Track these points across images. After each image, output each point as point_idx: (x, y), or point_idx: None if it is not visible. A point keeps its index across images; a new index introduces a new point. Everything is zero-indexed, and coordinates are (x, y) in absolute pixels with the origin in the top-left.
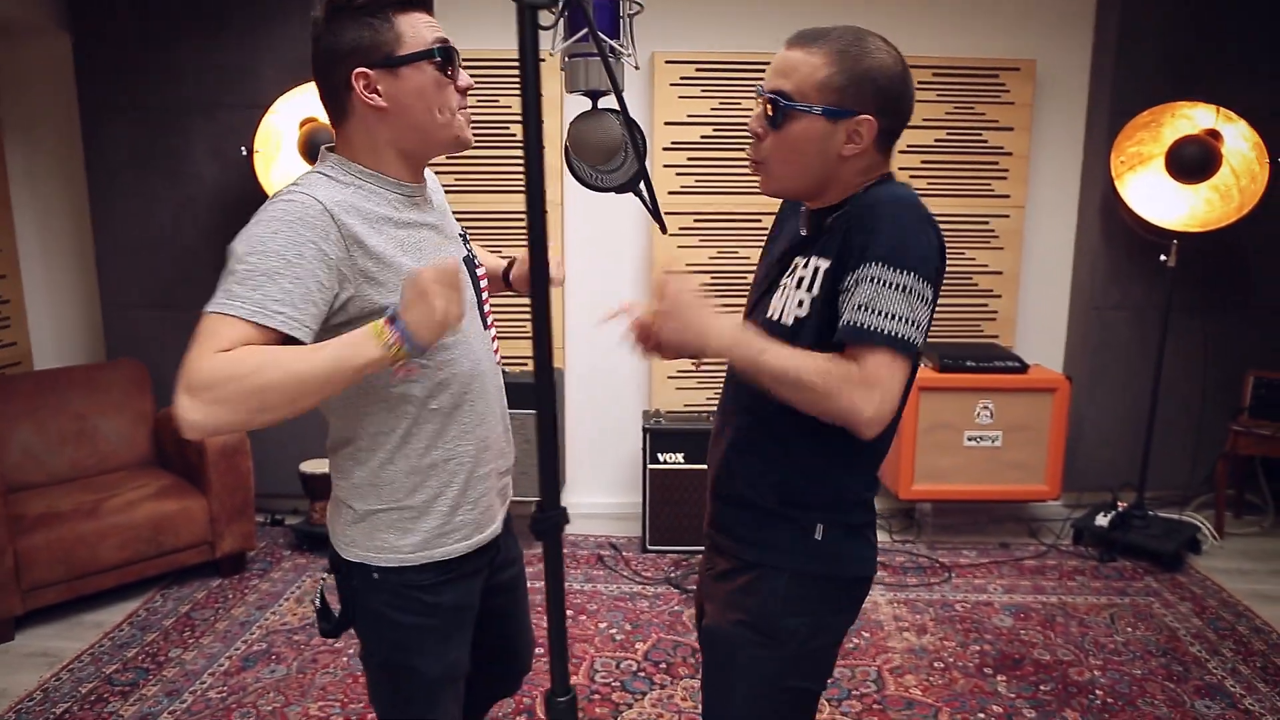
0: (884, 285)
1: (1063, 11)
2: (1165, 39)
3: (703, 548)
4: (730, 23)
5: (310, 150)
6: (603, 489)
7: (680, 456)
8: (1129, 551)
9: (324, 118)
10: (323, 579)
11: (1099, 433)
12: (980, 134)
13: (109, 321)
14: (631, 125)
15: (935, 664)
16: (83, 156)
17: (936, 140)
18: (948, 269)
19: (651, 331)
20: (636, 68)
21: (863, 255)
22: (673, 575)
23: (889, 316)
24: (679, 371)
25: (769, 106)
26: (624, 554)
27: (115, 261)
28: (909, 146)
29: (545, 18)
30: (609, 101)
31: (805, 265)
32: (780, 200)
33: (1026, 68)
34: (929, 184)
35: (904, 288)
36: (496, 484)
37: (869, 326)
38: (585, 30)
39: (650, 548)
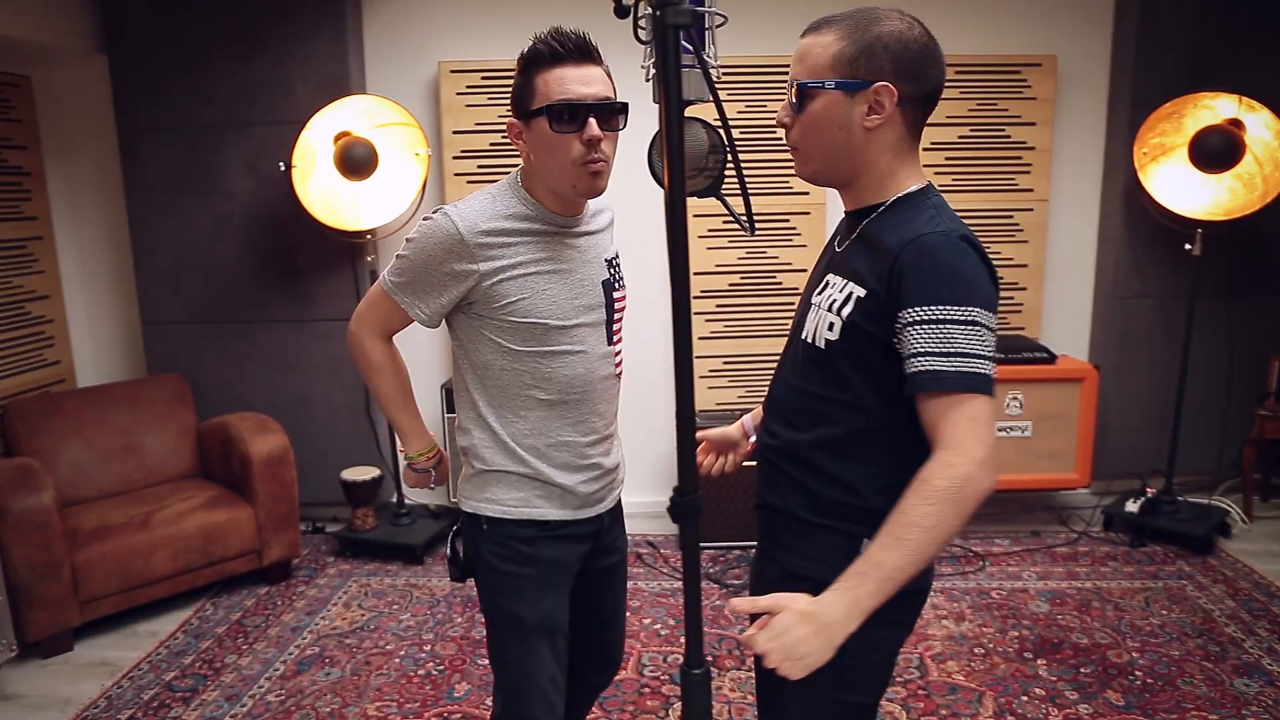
0: (952, 325)
1: (1082, 6)
2: (1185, 30)
3: (738, 543)
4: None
5: (346, 163)
6: (639, 488)
7: None
8: (1159, 536)
9: (357, 130)
10: (454, 529)
11: (1126, 420)
12: (1003, 129)
13: (149, 338)
14: (724, 132)
15: (976, 650)
16: (121, 177)
17: (960, 137)
18: None
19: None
20: (719, 78)
21: (924, 297)
22: (711, 570)
23: (965, 357)
24: (710, 371)
25: (793, 93)
26: (662, 551)
27: (154, 279)
28: (932, 144)
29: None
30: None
31: (841, 286)
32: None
33: (1048, 63)
34: (954, 179)
35: (973, 323)
36: (601, 474)
37: (952, 371)
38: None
39: None
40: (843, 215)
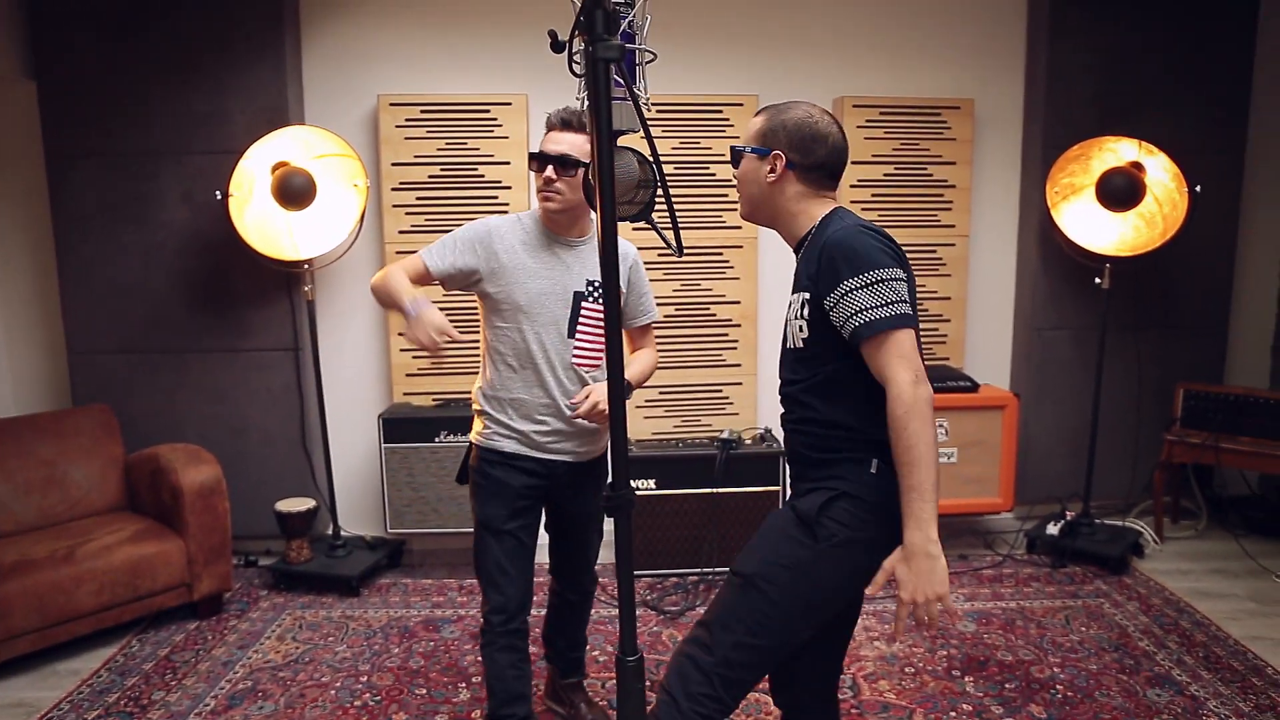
0: (859, 290)
1: (997, 54)
2: (1091, 77)
3: (675, 570)
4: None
5: (283, 193)
6: None
7: (652, 482)
8: (1078, 557)
9: (295, 161)
10: (468, 446)
11: (1045, 447)
12: (925, 168)
13: (75, 367)
14: (652, 161)
15: (906, 669)
16: (48, 204)
17: (885, 175)
18: None
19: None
20: (649, 109)
21: (836, 280)
22: (649, 598)
23: (876, 308)
24: (647, 401)
25: (731, 155)
26: (600, 580)
27: (82, 308)
28: (859, 181)
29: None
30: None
31: (796, 298)
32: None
33: (966, 106)
34: (879, 215)
35: (875, 282)
36: (551, 430)
37: (867, 322)
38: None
39: None
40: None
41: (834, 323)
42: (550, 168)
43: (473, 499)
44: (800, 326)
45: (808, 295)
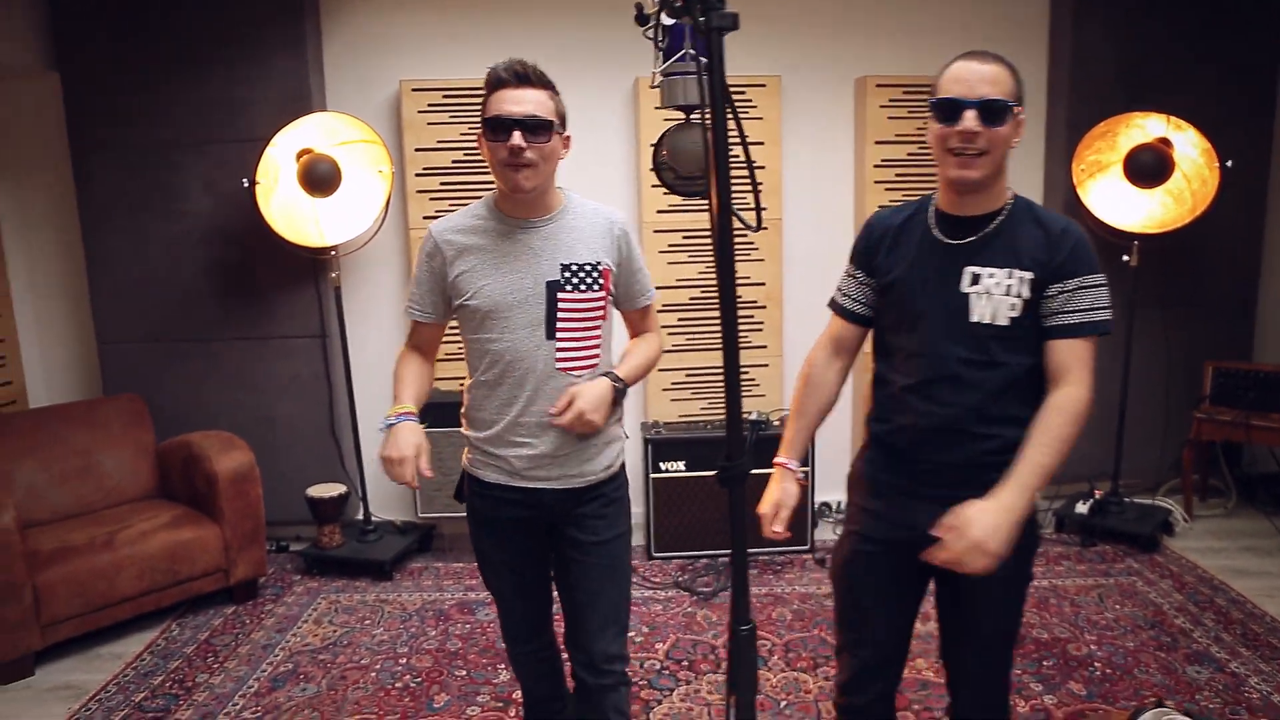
0: (1100, 288)
1: (1020, 32)
2: (1115, 54)
3: (705, 552)
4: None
5: (309, 180)
6: None
7: (681, 464)
8: (1108, 536)
9: (319, 148)
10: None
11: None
12: None
13: (105, 357)
14: (739, 134)
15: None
16: (75, 196)
17: (909, 154)
18: None
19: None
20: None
21: (1081, 270)
22: (681, 579)
23: (1107, 309)
24: (673, 384)
25: (982, 110)
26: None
27: (110, 298)
28: (883, 161)
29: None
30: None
31: (1007, 275)
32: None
33: None
34: (903, 195)
35: (1106, 284)
36: (536, 454)
37: (1099, 321)
38: (683, 51)
39: (655, 554)
40: (932, 220)
41: (1052, 308)
42: (517, 134)
43: (468, 521)
44: (1012, 305)
45: (1032, 276)
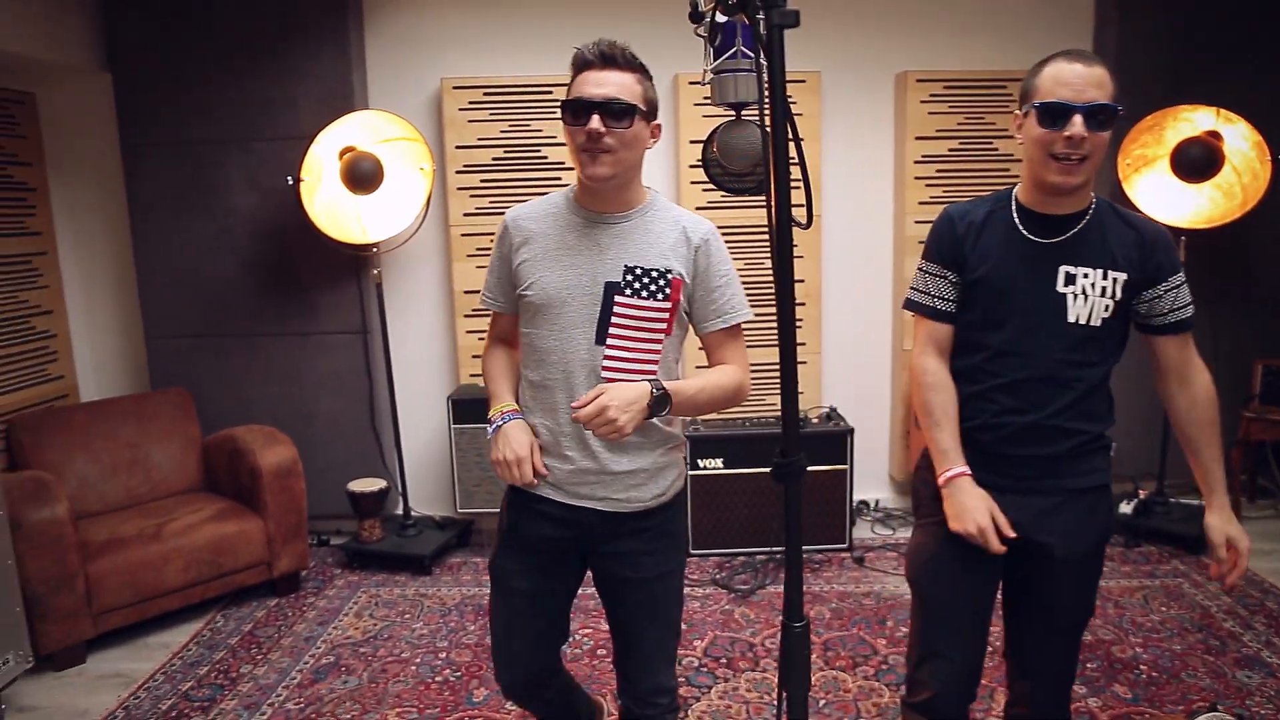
0: (1185, 286)
1: (1064, 24)
2: (1161, 45)
3: (742, 549)
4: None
5: (352, 177)
6: None
7: (719, 462)
8: (1154, 537)
9: (362, 145)
10: None
11: (1119, 425)
12: (991, 143)
13: (153, 352)
14: (791, 129)
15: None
16: (124, 193)
17: (950, 150)
18: None
19: None
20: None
21: (1171, 271)
22: (719, 576)
23: (1193, 304)
24: None
25: (1090, 116)
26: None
27: (158, 294)
28: (924, 156)
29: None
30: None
31: (1101, 276)
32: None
33: None
34: (944, 191)
35: (1185, 281)
36: (576, 469)
37: (1190, 318)
38: (734, 49)
39: (694, 551)
40: (1017, 217)
41: (1150, 310)
42: (595, 118)
43: (497, 535)
44: (1106, 306)
45: (1126, 277)
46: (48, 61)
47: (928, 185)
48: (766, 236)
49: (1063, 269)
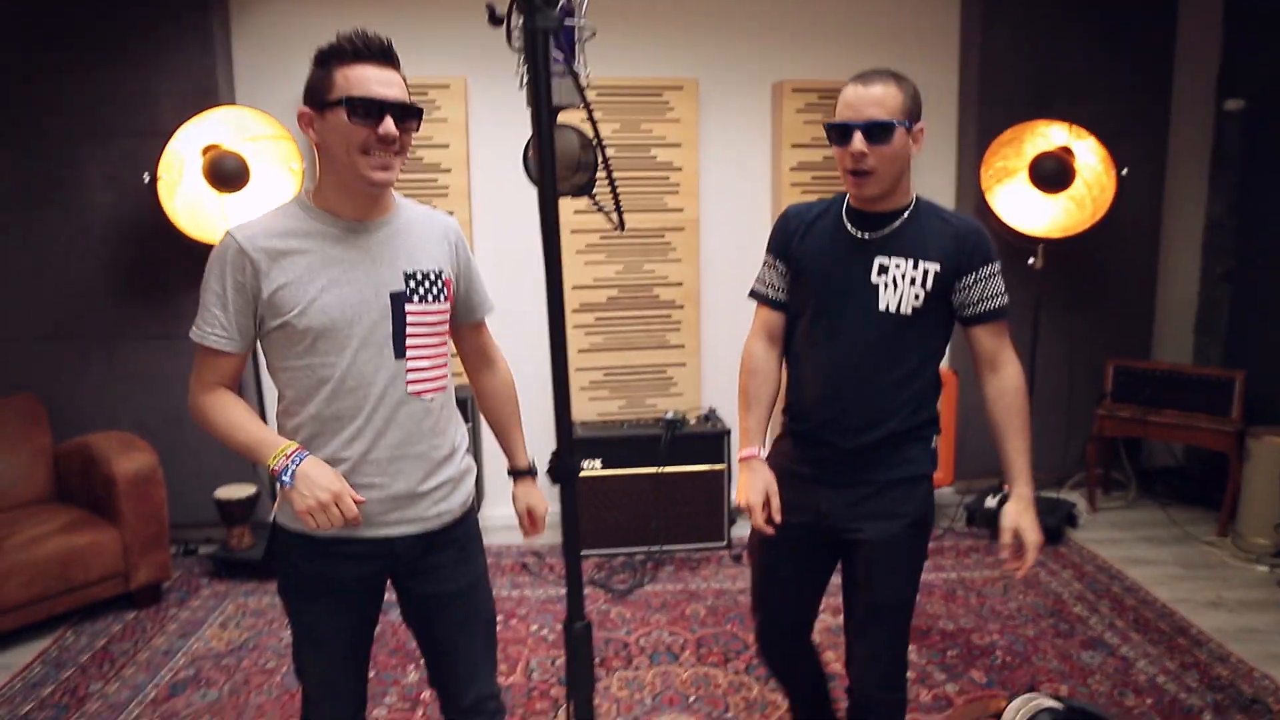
0: (999, 276)
1: (932, 38)
2: (1023, 61)
3: (621, 549)
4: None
5: (216, 176)
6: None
7: (598, 463)
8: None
9: (227, 143)
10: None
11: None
12: None
13: None
14: (594, 137)
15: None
16: None
17: (825, 158)
18: None
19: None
20: (588, 85)
21: (984, 260)
22: (597, 576)
23: (1006, 294)
24: (591, 383)
25: (878, 131)
26: (547, 560)
27: (3, 294)
28: (799, 164)
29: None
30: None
31: (912, 266)
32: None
33: None
34: (818, 197)
35: (1001, 271)
36: (387, 496)
37: (1002, 306)
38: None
39: None
40: (843, 215)
41: (962, 299)
42: (388, 119)
43: (281, 594)
44: (916, 295)
45: (937, 268)
46: None
47: (803, 192)
48: (607, 239)
49: (877, 260)
